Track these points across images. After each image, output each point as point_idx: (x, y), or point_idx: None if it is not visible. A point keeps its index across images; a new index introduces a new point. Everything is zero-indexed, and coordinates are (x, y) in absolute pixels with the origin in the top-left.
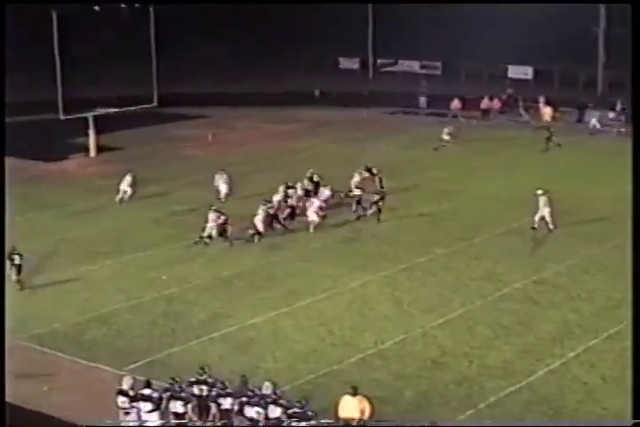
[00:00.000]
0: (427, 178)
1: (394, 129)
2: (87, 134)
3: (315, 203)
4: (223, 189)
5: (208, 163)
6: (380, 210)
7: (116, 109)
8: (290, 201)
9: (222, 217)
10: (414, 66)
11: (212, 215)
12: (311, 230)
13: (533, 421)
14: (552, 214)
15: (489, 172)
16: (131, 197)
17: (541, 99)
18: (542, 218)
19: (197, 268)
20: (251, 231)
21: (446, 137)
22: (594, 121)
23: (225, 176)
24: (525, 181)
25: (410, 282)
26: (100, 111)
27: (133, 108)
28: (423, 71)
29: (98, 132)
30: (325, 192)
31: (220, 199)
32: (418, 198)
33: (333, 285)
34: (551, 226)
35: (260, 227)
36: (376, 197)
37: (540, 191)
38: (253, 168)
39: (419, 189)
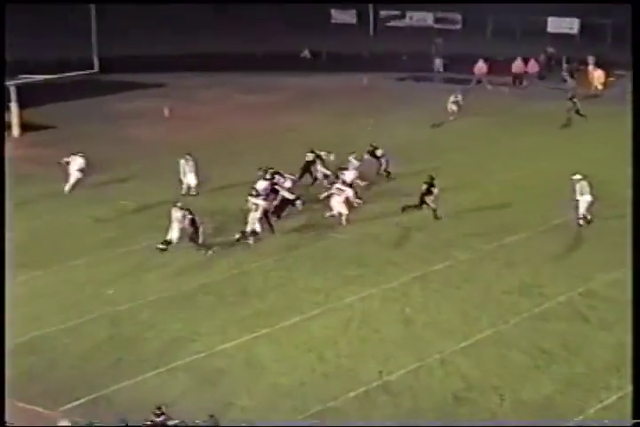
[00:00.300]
0: (442, 163)
1: (402, 100)
2: (8, 108)
3: (346, 191)
4: (191, 179)
5: (164, 145)
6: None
7: (45, 77)
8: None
9: (188, 216)
10: (427, 19)
11: (176, 214)
12: (344, 222)
13: (533, 421)
14: (592, 204)
15: (521, 154)
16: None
17: (591, 60)
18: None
19: (153, 279)
20: (237, 235)
21: (453, 107)
22: None
23: (191, 163)
24: (568, 166)
25: (424, 296)
26: (25, 79)
27: (67, 74)
28: (438, 26)
29: (22, 105)
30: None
31: (186, 193)
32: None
33: (325, 300)
34: (589, 216)
35: (258, 226)
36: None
37: (577, 176)
38: (224, 152)
39: (436, 177)
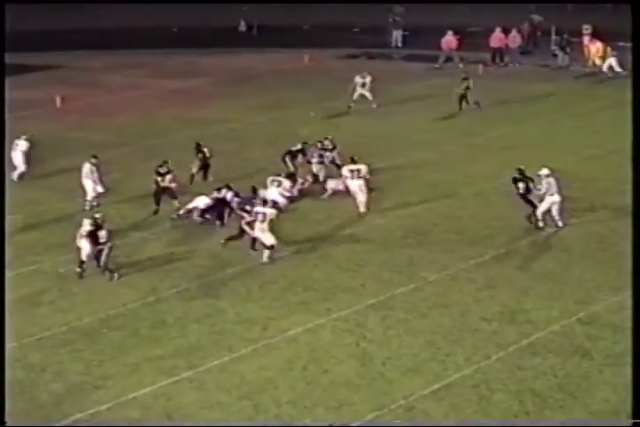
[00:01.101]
0: (405, 161)
1: (352, 83)
2: None
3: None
4: (89, 186)
5: (59, 143)
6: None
7: None
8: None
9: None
10: None
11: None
12: (362, 210)
13: (533, 421)
14: (561, 206)
15: (500, 150)
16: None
17: (586, 30)
18: (548, 211)
19: (45, 311)
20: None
21: (363, 91)
22: None
23: (88, 166)
24: (559, 164)
25: (384, 327)
26: None
27: None
28: None
29: None
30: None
31: (87, 202)
32: (393, 193)
33: (261, 334)
34: (560, 223)
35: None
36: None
37: (545, 171)
38: (134, 151)
39: (395, 179)
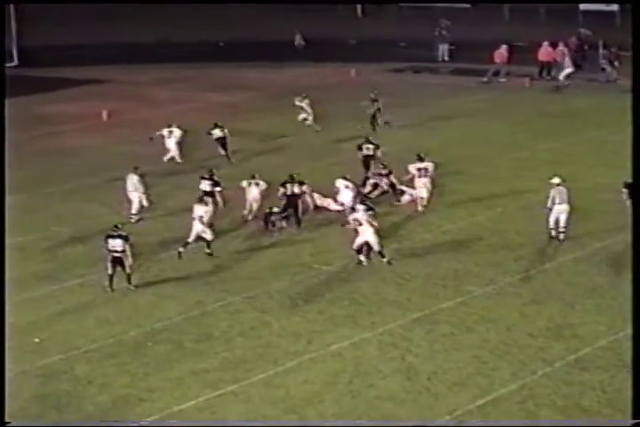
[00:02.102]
0: (451, 174)
1: (400, 97)
2: None
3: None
4: (135, 199)
5: (105, 158)
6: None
7: None
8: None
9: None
10: None
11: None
12: (420, 209)
13: (533, 420)
14: (568, 216)
15: (549, 162)
16: None
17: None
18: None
19: (91, 324)
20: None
21: (306, 112)
22: None
23: (136, 178)
24: (609, 177)
25: (430, 341)
26: None
27: None
28: (443, 4)
29: None
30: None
31: (133, 216)
32: (439, 206)
33: (306, 347)
34: (562, 236)
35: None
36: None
37: (556, 180)
38: (180, 164)
39: (440, 192)
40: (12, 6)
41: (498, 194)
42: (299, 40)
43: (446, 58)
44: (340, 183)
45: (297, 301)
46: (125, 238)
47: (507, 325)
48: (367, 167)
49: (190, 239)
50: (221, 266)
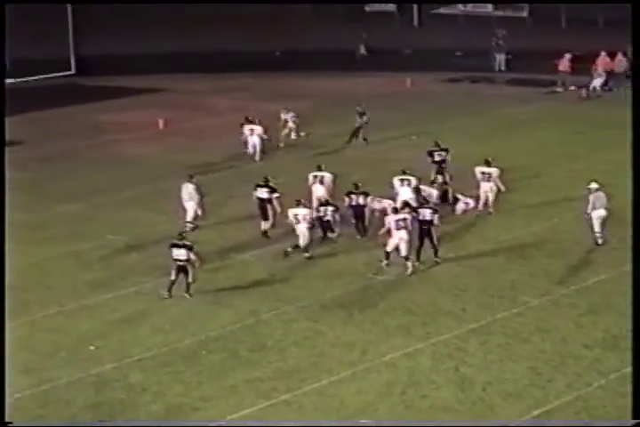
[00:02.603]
0: (506, 184)
1: (457, 107)
2: None
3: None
4: (190, 208)
5: (160, 167)
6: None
7: (11, 80)
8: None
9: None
10: (485, 6)
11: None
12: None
13: (533, 420)
14: (605, 221)
15: (606, 172)
16: None
17: None
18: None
19: (146, 332)
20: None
21: (292, 125)
22: None
23: (192, 187)
24: None
25: (484, 351)
26: None
27: (37, 77)
28: (499, 13)
29: None
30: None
31: (188, 224)
32: (495, 217)
33: (360, 357)
34: (600, 240)
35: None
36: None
37: (594, 185)
38: (237, 174)
39: (496, 201)
40: (69, 16)
41: (554, 204)
42: (362, 50)
43: (503, 68)
44: (396, 180)
45: (351, 310)
46: (189, 248)
47: (562, 336)
48: (440, 173)
49: (301, 243)
50: (275, 275)
